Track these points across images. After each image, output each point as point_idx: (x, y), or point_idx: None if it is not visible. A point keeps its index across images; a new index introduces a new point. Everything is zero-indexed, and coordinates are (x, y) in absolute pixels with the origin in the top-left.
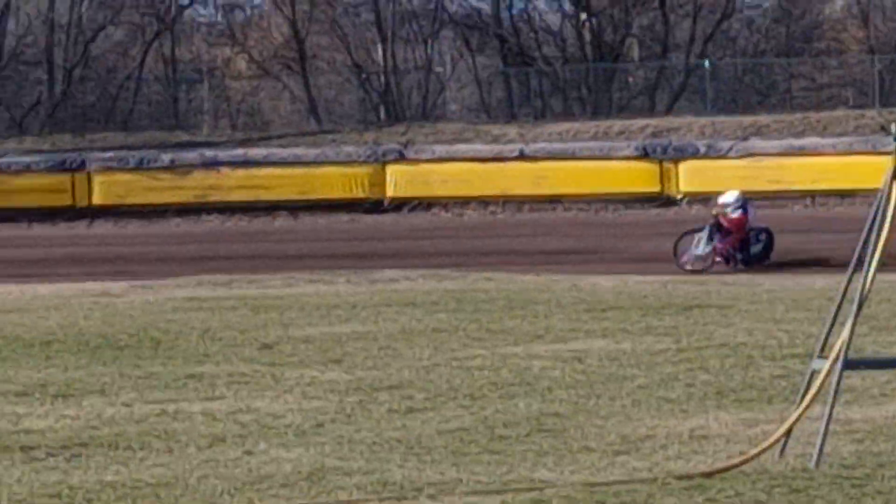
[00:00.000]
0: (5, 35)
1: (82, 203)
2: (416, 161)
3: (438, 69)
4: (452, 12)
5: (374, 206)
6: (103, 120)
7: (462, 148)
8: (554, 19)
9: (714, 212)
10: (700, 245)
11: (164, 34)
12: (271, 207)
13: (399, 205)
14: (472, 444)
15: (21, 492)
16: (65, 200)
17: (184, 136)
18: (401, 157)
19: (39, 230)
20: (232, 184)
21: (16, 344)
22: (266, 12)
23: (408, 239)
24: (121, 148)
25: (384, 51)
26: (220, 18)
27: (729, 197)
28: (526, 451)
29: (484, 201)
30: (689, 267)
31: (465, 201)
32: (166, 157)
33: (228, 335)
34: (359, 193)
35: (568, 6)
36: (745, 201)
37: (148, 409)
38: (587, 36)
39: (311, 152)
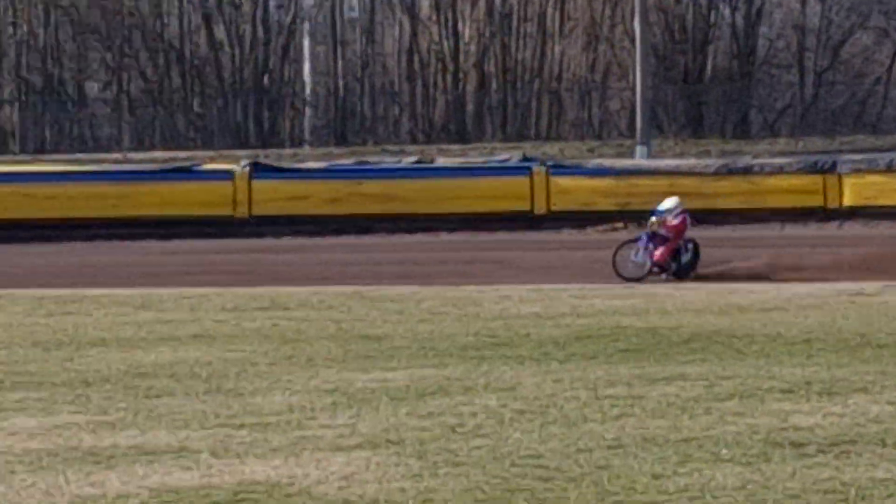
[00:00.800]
0: (758, 38)
1: (833, 204)
2: None
3: None
4: None
5: None
6: (852, 123)
7: None
8: None
9: (652, 220)
10: (638, 254)
11: None
12: None
13: None
14: None
15: (794, 486)
16: (816, 202)
17: None
18: None
19: (791, 230)
20: None
21: (778, 342)
22: None
23: None
24: (870, 151)
25: None
26: None
27: (669, 203)
28: None
29: None
30: (626, 275)
31: None
32: None
33: None
34: None
35: None
36: (684, 209)
37: None
38: None
39: None
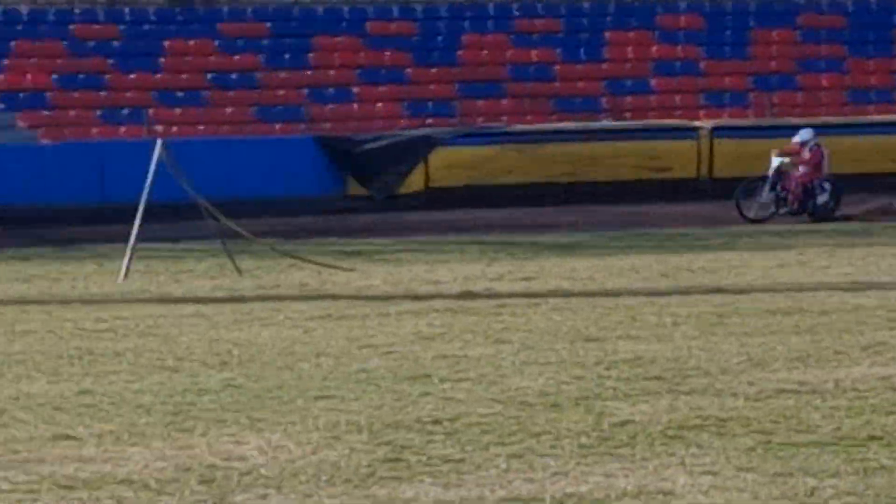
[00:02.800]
0: None
1: None
2: None
3: None
4: None
5: None
6: None
7: None
8: None
9: (778, 160)
10: (764, 193)
11: None
12: None
13: None
14: None
15: None
16: None
17: None
18: None
19: None
20: None
21: None
22: None
23: None
24: None
25: None
26: None
27: (806, 135)
28: None
29: None
30: (752, 216)
31: None
32: None
33: None
34: None
35: None
36: (818, 142)
37: None
38: None
39: None
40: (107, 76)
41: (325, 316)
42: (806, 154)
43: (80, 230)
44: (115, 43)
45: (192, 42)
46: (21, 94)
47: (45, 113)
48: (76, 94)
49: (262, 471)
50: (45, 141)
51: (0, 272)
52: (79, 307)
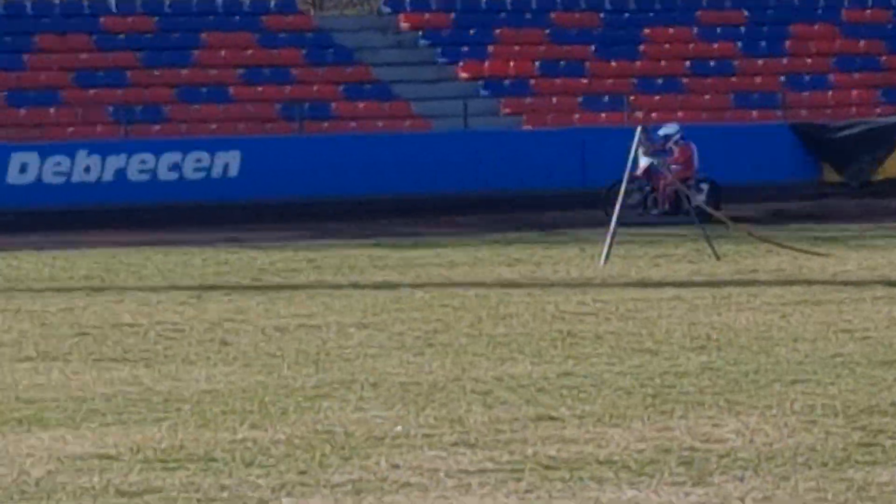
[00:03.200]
0: None
1: None
2: None
3: None
4: None
5: None
6: None
7: None
8: None
9: (647, 149)
10: (633, 193)
11: None
12: None
13: None
14: None
15: None
16: None
17: None
18: None
19: None
20: None
21: None
22: None
23: None
24: None
25: None
26: None
27: (669, 129)
28: None
29: None
30: (619, 218)
31: None
32: None
33: None
34: None
35: None
36: (683, 136)
37: None
38: None
39: None
40: (587, 63)
41: (801, 301)
42: (675, 151)
43: (561, 215)
44: (595, 31)
45: (671, 30)
46: (505, 82)
47: (528, 100)
48: (558, 81)
49: (740, 453)
50: (527, 127)
51: (485, 256)
52: (561, 290)
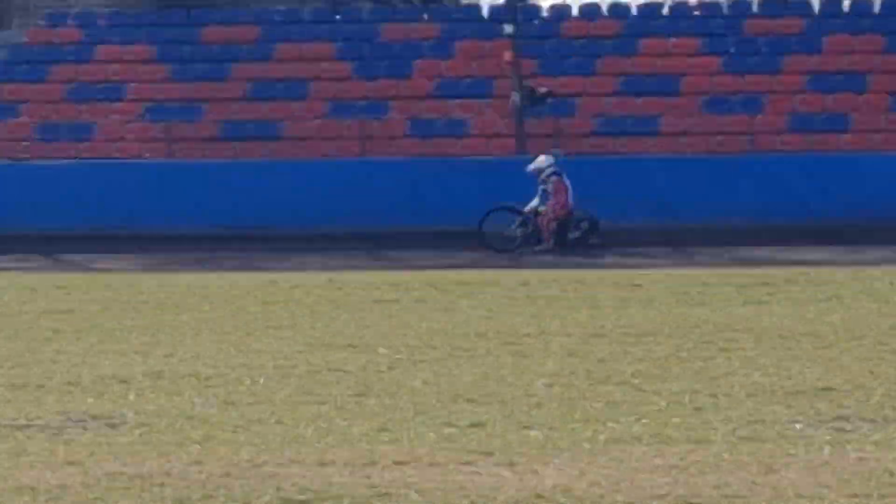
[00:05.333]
0: None
1: None
2: None
3: None
4: None
5: None
6: None
7: None
8: None
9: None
10: (513, 225)
11: None
12: None
13: None
14: None
15: None
16: None
17: None
18: None
19: None
20: None
21: None
22: None
23: None
24: None
25: None
26: None
27: (540, 162)
28: None
29: None
30: (496, 247)
31: None
32: None
33: None
34: None
35: None
36: (557, 170)
37: None
38: None
39: None
40: None
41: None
42: (548, 186)
43: None
44: None
45: None
46: None
47: None
48: None
49: None
50: None
51: None
52: None
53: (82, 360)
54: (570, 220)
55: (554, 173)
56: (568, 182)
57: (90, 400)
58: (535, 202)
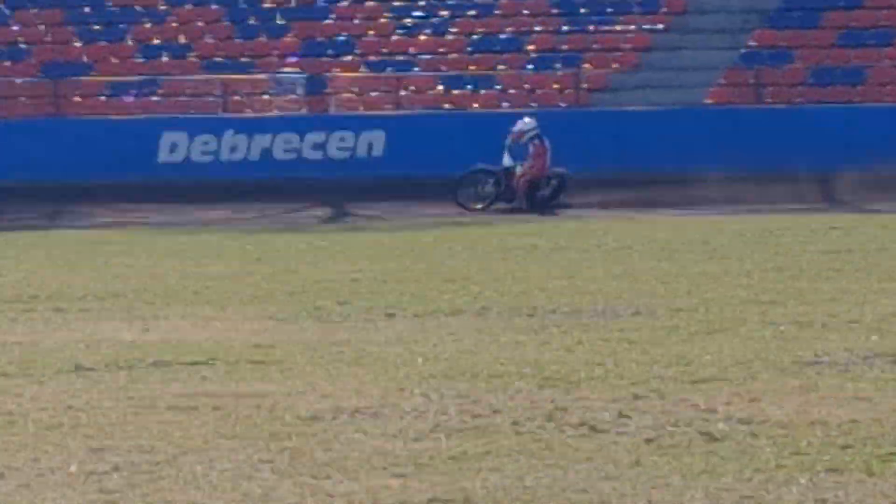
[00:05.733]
0: None
1: None
2: None
3: None
4: None
5: None
6: None
7: None
8: None
9: (508, 141)
10: (486, 185)
11: None
12: None
13: None
14: None
15: None
16: None
17: None
18: None
19: None
20: None
21: None
22: None
23: None
24: None
25: None
26: None
27: (523, 125)
28: None
29: None
30: (467, 206)
31: None
32: None
33: None
34: None
35: None
36: (538, 133)
37: None
38: None
39: None
40: None
41: None
42: (529, 147)
43: None
44: None
45: None
46: None
47: None
48: None
49: None
50: None
51: None
52: None
53: (864, 298)
54: (542, 180)
55: (536, 136)
56: (548, 144)
57: (874, 338)
58: (507, 161)
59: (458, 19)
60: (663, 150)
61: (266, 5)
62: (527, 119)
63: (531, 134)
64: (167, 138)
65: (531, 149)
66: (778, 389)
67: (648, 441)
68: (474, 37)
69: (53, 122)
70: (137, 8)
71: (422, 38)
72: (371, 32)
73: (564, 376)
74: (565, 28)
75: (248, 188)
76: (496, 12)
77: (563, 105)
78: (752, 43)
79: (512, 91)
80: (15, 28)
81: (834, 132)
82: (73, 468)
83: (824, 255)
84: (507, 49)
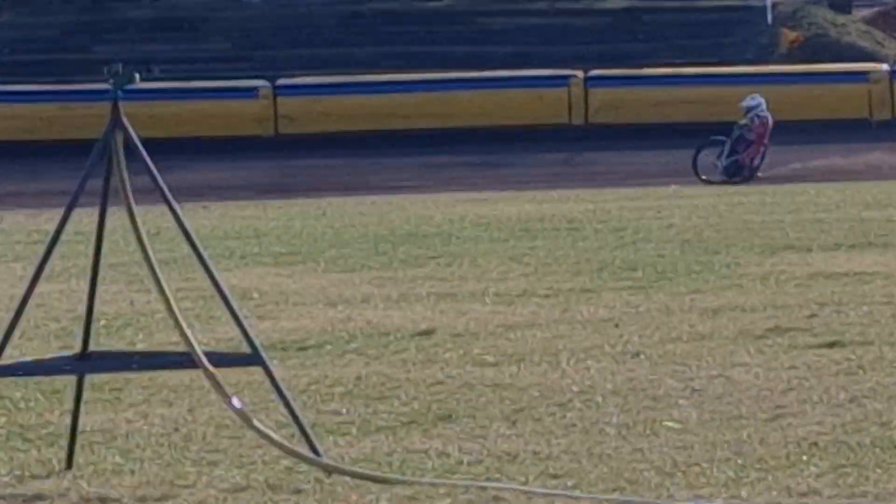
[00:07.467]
0: None
1: None
2: None
3: None
4: None
5: None
6: None
7: None
8: None
9: (743, 121)
10: (721, 156)
11: None
12: None
13: None
14: None
15: None
16: None
17: None
18: None
19: None
20: None
21: None
22: None
23: None
24: None
25: None
26: None
27: (751, 100)
28: None
29: None
30: (706, 177)
31: None
32: None
33: None
34: None
35: None
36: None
37: None
38: None
39: None
40: None
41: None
42: (755, 122)
43: None
44: None
45: None
46: None
47: None
48: None
49: None
50: None
51: None
52: None
53: None
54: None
55: (761, 111)
56: (771, 122)
57: None
58: (737, 133)
59: None
60: None
61: None
62: (758, 95)
63: (757, 110)
64: None
65: (755, 123)
66: None
67: None
68: None
69: None
70: None
71: None
72: None
73: None
74: None
75: None
76: None
77: None
78: None
79: None
80: None
81: None
82: None
83: None
84: None
